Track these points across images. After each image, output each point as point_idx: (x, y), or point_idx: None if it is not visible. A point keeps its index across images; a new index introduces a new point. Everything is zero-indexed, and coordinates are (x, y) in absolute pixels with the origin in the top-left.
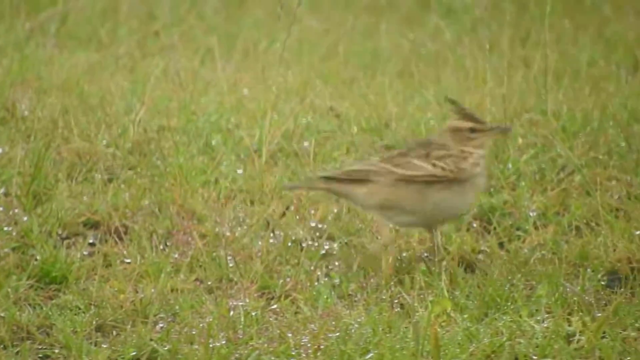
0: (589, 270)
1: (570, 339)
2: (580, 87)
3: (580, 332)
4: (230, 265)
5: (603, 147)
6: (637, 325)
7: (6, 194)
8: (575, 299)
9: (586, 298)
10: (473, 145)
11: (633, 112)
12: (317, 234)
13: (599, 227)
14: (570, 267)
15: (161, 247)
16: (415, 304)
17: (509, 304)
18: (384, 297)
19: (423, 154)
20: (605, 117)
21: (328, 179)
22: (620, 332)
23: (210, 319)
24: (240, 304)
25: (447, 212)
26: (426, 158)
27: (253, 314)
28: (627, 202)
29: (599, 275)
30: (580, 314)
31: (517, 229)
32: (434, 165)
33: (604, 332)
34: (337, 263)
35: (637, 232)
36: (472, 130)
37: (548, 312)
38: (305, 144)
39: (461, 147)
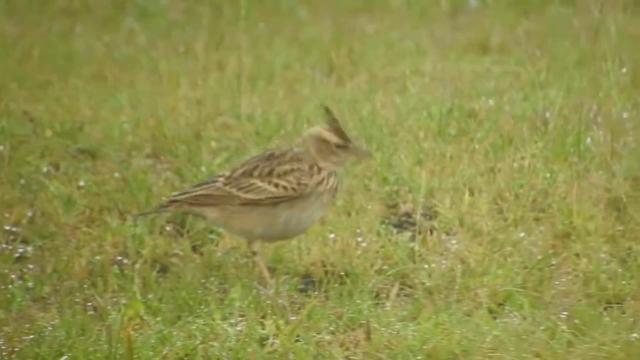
0: (283, 273)
1: (264, 343)
2: (275, 90)
3: (274, 335)
4: None
5: None
6: (331, 328)
7: None
8: (269, 302)
9: (280, 301)
10: (333, 160)
11: None
12: (12, 237)
13: None
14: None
15: None
16: (109, 307)
17: (203, 307)
18: (77, 300)
19: (266, 172)
20: (300, 120)
21: (179, 202)
22: (315, 336)
23: None
24: None
25: (296, 227)
26: (269, 176)
27: None
28: None
29: (293, 279)
30: (274, 317)
31: (211, 233)
32: (276, 185)
33: (298, 336)
34: (31, 266)
35: (332, 236)
36: (337, 146)
37: (242, 316)
38: (0, 148)
39: (320, 159)
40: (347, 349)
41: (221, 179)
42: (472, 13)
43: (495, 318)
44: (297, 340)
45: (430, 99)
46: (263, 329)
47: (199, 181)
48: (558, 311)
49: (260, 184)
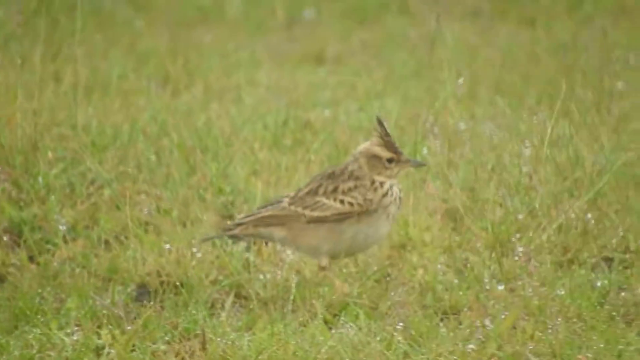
0: (118, 283)
1: (100, 352)
2: (111, 101)
3: (110, 345)
4: None
5: (133, 161)
6: (166, 338)
7: None
8: (105, 312)
9: (116, 311)
10: (387, 175)
11: (163, 126)
12: None
13: (129, 240)
14: (100, 281)
15: None
16: None
17: (39, 316)
18: None
19: (331, 189)
20: (135, 131)
21: (244, 224)
22: (150, 346)
23: None
24: None
25: (363, 243)
26: (334, 193)
27: None
28: (157, 216)
29: (129, 289)
30: (110, 327)
31: (47, 243)
32: (342, 202)
33: (134, 346)
34: None
35: (167, 246)
36: (390, 160)
37: (78, 325)
38: None
39: (374, 176)
40: (183, 358)
41: (286, 199)
42: (308, 24)
43: (330, 329)
44: (132, 350)
45: (265, 110)
46: (99, 338)
47: (264, 203)
48: (394, 322)
49: (325, 201)
